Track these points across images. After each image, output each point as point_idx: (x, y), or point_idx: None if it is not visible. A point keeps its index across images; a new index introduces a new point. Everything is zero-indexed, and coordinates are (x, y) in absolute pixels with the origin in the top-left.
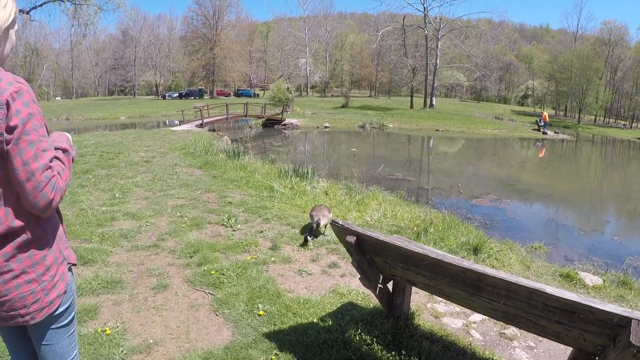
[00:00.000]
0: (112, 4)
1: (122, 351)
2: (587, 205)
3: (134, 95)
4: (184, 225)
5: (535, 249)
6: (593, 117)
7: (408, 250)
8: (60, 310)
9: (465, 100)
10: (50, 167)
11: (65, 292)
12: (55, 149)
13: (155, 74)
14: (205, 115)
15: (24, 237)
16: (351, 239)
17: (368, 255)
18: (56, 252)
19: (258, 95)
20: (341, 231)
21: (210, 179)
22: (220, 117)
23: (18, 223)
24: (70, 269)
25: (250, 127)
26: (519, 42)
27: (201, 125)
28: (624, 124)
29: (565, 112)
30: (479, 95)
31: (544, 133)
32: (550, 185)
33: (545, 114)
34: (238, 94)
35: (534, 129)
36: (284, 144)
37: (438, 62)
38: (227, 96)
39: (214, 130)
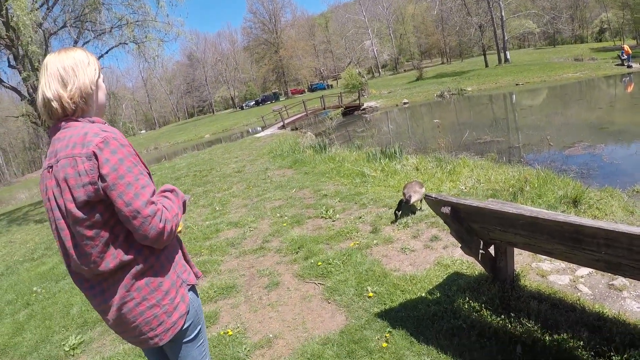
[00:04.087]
0: (171, 34)
1: (245, 348)
2: None
3: (213, 112)
4: (284, 224)
5: (637, 192)
6: None
7: (502, 212)
8: (185, 326)
9: (540, 47)
10: (152, 202)
11: (187, 312)
12: (163, 191)
13: (229, 88)
14: (285, 116)
15: (137, 267)
16: (446, 209)
17: (465, 223)
18: (173, 277)
19: (332, 86)
20: (435, 203)
21: (302, 176)
22: (299, 115)
23: (129, 257)
24: (193, 289)
25: (330, 118)
26: None
27: (283, 127)
28: None
29: None
30: (553, 40)
31: (629, 67)
32: None
33: (626, 46)
34: (312, 89)
35: (617, 65)
36: (367, 128)
37: (503, 14)
38: (302, 93)
39: (296, 129)
